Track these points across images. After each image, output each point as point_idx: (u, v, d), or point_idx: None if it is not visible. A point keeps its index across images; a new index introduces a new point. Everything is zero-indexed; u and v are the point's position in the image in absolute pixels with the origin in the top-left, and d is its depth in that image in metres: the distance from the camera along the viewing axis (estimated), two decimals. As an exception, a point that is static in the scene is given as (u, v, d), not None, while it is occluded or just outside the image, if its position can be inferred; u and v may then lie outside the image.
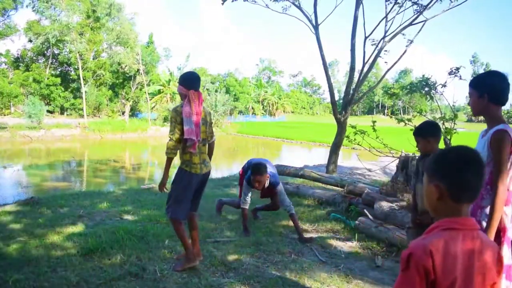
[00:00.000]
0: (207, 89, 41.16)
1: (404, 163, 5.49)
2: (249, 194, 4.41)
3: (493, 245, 1.25)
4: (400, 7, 8.18)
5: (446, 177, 1.20)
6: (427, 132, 2.73)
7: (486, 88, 2.06)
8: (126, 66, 37.75)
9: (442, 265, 1.12)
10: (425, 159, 2.77)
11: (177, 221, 3.19)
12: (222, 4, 8.64)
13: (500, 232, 1.97)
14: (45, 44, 36.42)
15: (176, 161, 3.25)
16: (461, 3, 7.97)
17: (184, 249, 3.28)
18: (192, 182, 3.20)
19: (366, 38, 8.61)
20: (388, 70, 9.43)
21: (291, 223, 4.80)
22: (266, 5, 9.24)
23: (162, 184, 3.25)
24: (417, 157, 2.95)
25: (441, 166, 1.22)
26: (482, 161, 1.22)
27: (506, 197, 1.95)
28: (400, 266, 1.19)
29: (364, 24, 8.77)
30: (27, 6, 34.83)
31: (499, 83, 2.07)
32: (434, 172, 1.23)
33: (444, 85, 5.11)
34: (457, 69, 5.09)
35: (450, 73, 5.13)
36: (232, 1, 8.77)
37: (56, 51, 39.51)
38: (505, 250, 1.95)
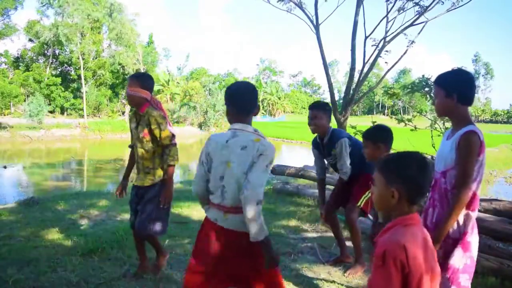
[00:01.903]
0: (209, 89, 41.20)
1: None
2: (317, 161, 3.59)
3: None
4: (401, 9, 8.17)
5: (407, 181, 1.29)
6: (378, 137, 2.51)
7: (455, 87, 1.94)
8: (126, 66, 37.75)
9: (414, 257, 1.21)
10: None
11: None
12: None
13: (460, 235, 1.90)
14: (50, 42, 36.40)
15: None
16: (462, 5, 7.97)
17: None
18: None
19: (366, 38, 8.61)
20: (389, 70, 9.42)
21: (291, 223, 4.81)
22: (268, 0, 9.23)
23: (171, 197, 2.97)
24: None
25: (402, 171, 1.31)
26: (432, 166, 1.37)
27: (466, 202, 1.85)
28: (375, 263, 1.25)
29: (364, 24, 8.76)
30: (38, 4, 34.82)
31: (469, 83, 1.99)
32: (395, 176, 1.31)
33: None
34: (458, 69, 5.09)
35: (450, 73, 5.12)
36: None
37: (57, 51, 39.52)
38: (458, 253, 1.87)
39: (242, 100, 1.93)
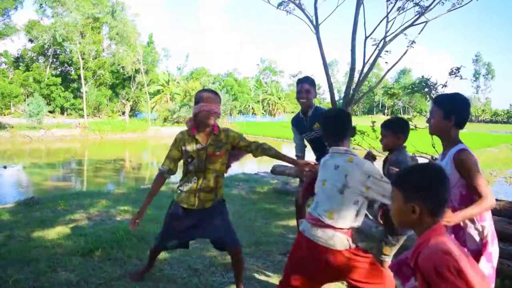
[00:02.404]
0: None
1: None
2: (297, 137, 3.67)
3: None
4: (401, 8, 8.17)
5: (427, 197, 1.25)
6: (399, 128, 2.65)
7: (455, 111, 2.01)
8: (127, 66, 37.79)
9: (462, 262, 1.16)
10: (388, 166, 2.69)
11: None
12: None
13: (482, 246, 1.95)
14: (49, 43, 36.44)
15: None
16: (463, 5, 7.96)
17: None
18: None
19: (366, 38, 8.60)
20: (389, 70, 9.41)
21: (291, 223, 4.81)
22: (268, 0, 9.24)
23: None
24: (408, 156, 2.83)
25: (420, 186, 1.26)
26: (447, 175, 1.29)
27: (490, 206, 1.89)
28: (433, 281, 1.17)
29: (364, 24, 8.75)
30: (33, 4, 34.86)
31: (467, 108, 2.07)
32: (412, 192, 1.27)
33: (444, 85, 5.10)
34: (458, 69, 5.09)
35: (450, 73, 5.13)
36: None
37: (58, 51, 39.54)
38: (483, 263, 1.92)
39: (340, 126, 2.15)
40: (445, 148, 2.08)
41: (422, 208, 1.25)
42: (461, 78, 5.11)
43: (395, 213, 1.32)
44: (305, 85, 3.47)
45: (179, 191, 2.73)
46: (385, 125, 2.72)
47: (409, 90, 5.47)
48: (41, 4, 34.47)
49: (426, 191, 1.25)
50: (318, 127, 3.42)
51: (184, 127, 2.77)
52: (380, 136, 2.81)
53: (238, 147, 2.74)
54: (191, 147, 2.62)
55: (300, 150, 3.70)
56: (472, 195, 1.92)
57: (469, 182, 1.92)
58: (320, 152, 3.53)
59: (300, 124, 3.60)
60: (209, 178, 2.65)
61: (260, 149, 2.78)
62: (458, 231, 2.00)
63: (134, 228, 2.77)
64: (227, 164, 2.78)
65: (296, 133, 3.67)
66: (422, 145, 5.47)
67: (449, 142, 2.04)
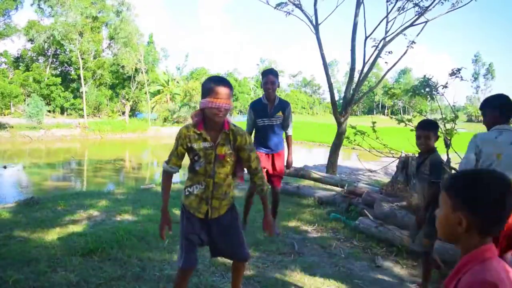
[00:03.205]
0: None
1: (404, 163, 5.49)
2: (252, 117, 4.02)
3: None
4: (401, 8, 8.18)
5: (481, 211, 1.05)
6: (436, 128, 2.91)
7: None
8: (127, 66, 37.79)
9: None
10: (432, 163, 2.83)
11: None
12: None
13: None
14: (48, 42, 36.45)
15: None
16: (462, 6, 7.97)
17: None
18: None
19: (366, 38, 8.61)
20: (388, 70, 9.44)
21: (291, 223, 4.81)
22: (267, 1, 9.25)
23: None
24: (416, 156, 3.00)
25: (475, 196, 1.06)
26: None
27: None
28: None
29: (364, 24, 8.78)
30: (31, 5, 34.89)
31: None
32: (464, 201, 1.07)
33: (445, 86, 5.10)
34: (459, 70, 5.09)
35: (451, 74, 5.13)
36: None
37: (58, 51, 39.54)
38: None
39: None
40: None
41: (470, 221, 1.05)
42: (462, 79, 5.11)
43: (440, 222, 1.14)
44: (271, 77, 3.92)
45: (187, 193, 2.37)
46: (428, 127, 2.90)
47: (410, 93, 5.47)
48: (39, 4, 34.50)
49: (479, 202, 1.05)
50: (280, 115, 4.00)
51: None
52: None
53: (239, 154, 2.34)
54: (197, 145, 2.27)
55: (250, 132, 4.06)
56: None
57: None
58: (264, 138, 4.01)
59: (262, 109, 3.99)
60: (221, 183, 2.32)
61: (253, 179, 2.42)
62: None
63: (164, 238, 2.53)
64: (234, 170, 2.41)
65: (252, 115, 4.02)
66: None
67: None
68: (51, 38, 35.11)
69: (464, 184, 1.09)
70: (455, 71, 5.11)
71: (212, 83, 2.17)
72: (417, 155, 3.16)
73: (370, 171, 9.00)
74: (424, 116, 6.26)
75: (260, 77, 4.27)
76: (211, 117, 2.19)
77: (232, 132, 2.29)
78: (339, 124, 8.96)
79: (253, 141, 3.69)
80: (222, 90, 2.15)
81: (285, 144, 4.27)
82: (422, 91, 5.24)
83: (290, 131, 4.17)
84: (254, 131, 4.10)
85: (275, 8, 9.02)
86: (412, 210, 3.42)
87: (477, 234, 1.07)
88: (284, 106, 4.07)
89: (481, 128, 2.13)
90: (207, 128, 2.26)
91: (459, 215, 1.07)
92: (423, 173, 2.90)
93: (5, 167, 14.10)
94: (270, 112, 3.98)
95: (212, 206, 2.33)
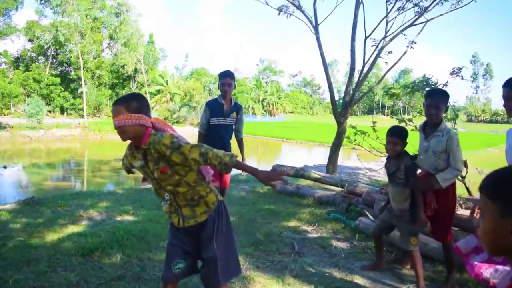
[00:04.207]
0: (209, 89, 41.23)
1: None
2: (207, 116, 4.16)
3: None
4: (401, 8, 8.17)
5: None
6: (406, 135, 3.01)
7: None
8: (127, 66, 37.83)
9: None
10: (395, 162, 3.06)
11: None
12: None
13: None
14: (49, 43, 36.44)
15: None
16: (461, 7, 7.96)
17: None
18: None
19: (366, 38, 8.61)
20: (388, 70, 9.43)
21: (291, 223, 4.82)
22: (266, 2, 9.26)
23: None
24: (410, 158, 3.09)
25: None
26: None
27: None
28: None
29: (364, 24, 8.77)
30: (40, 3, 34.88)
31: None
32: (506, 205, 0.88)
33: (445, 85, 5.10)
34: (459, 69, 5.09)
35: (452, 73, 5.13)
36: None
37: (57, 51, 39.56)
38: None
39: None
40: None
41: None
42: (462, 78, 5.11)
43: (485, 233, 0.94)
44: (228, 79, 4.09)
45: (162, 203, 2.18)
46: (397, 133, 3.01)
47: (409, 89, 5.46)
48: (43, 5, 34.55)
49: None
50: (235, 116, 4.20)
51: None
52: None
53: (173, 163, 1.98)
54: (136, 164, 2.12)
55: (204, 130, 4.20)
56: None
57: None
58: (215, 138, 4.06)
59: (217, 109, 4.15)
60: (180, 192, 2.08)
61: (210, 164, 1.94)
62: None
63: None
64: (201, 173, 2.14)
65: (208, 114, 4.17)
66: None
67: None
68: (53, 38, 35.09)
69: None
70: (456, 70, 5.11)
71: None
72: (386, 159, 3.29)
73: (370, 171, 9.00)
74: (424, 115, 6.26)
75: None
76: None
77: (151, 146, 1.99)
78: (339, 124, 8.96)
79: (201, 142, 3.95)
80: (112, 109, 2.05)
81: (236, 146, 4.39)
82: (421, 91, 5.24)
83: (241, 135, 4.40)
84: (205, 132, 4.20)
85: (278, 14, 9.04)
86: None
87: None
88: (238, 108, 4.29)
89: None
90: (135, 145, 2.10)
91: (510, 222, 0.88)
92: (398, 177, 3.03)
93: (5, 167, 14.11)
94: (226, 111, 4.15)
95: (184, 215, 2.11)
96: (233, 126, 4.29)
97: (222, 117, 4.15)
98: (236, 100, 4.36)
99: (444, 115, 3.04)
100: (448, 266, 3.11)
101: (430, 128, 3.04)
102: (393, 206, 3.14)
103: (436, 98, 2.95)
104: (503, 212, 0.88)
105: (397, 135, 2.99)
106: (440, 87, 5.13)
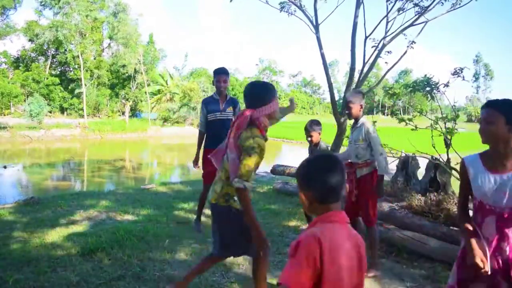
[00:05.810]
0: (207, 89, 41.21)
1: (404, 163, 5.49)
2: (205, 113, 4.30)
3: (363, 241, 1.37)
4: (401, 8, 8.17)
5: (311, 187, 1.33)
6: (319, 126, 4.04)
7: None
8: (126, 66, 37.84)
9: (329, 252, 1.21)
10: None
11: None
12: (231, 1, 8.62)
13: None
14: (49, 43, 36.46)
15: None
16: (461, 6, 7.96)
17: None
18: None
19: (366, 38, 8.60)
20: (388, 70, 9.41)
21: (291, 223, 4.82)
22: (266, 1, 9.25)
23: None
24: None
25: (305, 178, 1.36)
26: (340, 163, 1.35)
27: None
28: (289, 254, 1.27)
29: (364, 24, 8.75)
30: (41, 3, 34.87)
31: None
32: (300, 183, 1.38)
33: (447, 85, 5.09)
34: (461, 69, 5.07)
35: (453, 73, 5.11)
36: (231, 1, 8.76)
37: (57, 51, 39.56)
38: None
39: None
40: (503, 158, 1.82)
41: (311, 198, 1.35)
42: (463, 79, 5.10)
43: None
44: (223, 76, 4.22)
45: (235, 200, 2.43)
46: (311, 127, 4.02)
47: (410, 89, 5.45)
48: (42, 3, 34.56)
49: (311, 182, 1.36)
50: (231, 110, 4.29)
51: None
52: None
53: None
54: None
55: (203, 127, 4.33)
56: None
57: None
58: (215, 134, 4.11)
59: (213, 105, 4.27)
60: None
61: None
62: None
63: None
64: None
65: (205, 111, 4.30)
66: (422, 145, 5.46)
67: (508, 152, 1.82)
68: (54, 38, 35.10)
69: (299, 170, 1.42)
70: (457, 70, 5.10)
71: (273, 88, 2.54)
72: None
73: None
74: (424, 115, 6.26)
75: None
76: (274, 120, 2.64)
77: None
78: (339, 124, 8.95)
79: (200, 139, 4.34)
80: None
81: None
82: (422, 90, 5.23)
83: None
84: (205, 129, 4.32)
85: (280, 11, 9.03)
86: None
87: (319, 204, 1.34)
88: (235, 102, 4.40)
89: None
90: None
91: (301, 194, 1.37)
92: None
93: (5, 167, 14.11)
94: (222, 106, 4.28)
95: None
96: (231, 121, 4.30)
97: (218, 112, 4.27)
98: (232, 96, 4.51)
99: (361, 111, 3.49)
100: (371, 249, 3.31)
101: (353, 124, 3.59)
102: None
103: (349, 98, 3.54)
104: (299, 188, 1.38)
105: (313, 128, 4.07)
106: (441, 87, 5.12)
